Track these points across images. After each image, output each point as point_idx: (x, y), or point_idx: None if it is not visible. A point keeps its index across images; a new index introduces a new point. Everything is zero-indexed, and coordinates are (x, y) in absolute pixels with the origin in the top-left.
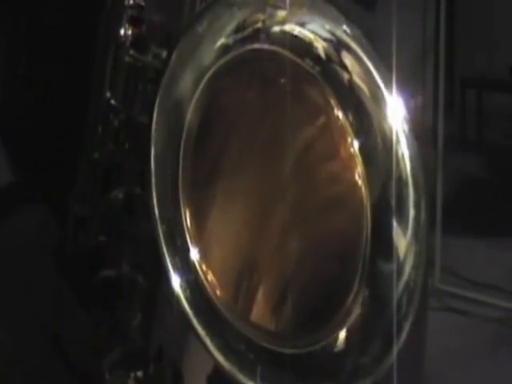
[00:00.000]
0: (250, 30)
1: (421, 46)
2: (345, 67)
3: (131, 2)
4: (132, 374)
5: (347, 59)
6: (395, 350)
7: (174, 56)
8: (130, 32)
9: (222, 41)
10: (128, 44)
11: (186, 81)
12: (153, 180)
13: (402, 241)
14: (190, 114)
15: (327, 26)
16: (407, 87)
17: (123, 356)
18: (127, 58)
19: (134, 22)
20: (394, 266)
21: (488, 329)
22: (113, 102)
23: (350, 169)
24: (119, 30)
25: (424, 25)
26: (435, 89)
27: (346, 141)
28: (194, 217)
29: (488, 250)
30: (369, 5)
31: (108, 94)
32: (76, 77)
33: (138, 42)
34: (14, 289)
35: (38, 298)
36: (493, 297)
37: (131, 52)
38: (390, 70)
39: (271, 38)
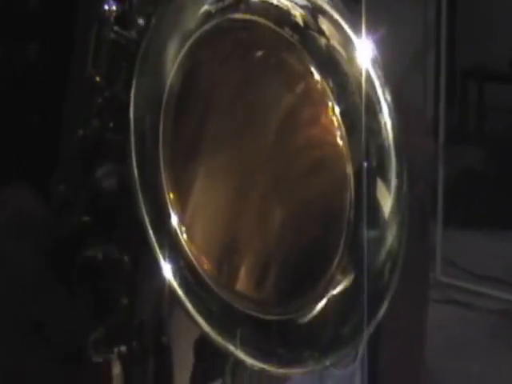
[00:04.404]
0: None
1: (422, 37)
2: (322, 33)
3: None
4: (116, 349)
5: (324, 24)
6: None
7: (155, 19)
8: (114, 7)
9: (205, 8)
10: (112, 20)
11: (169, 46)
12: (133, 149)
13: (385, 208)
14: (170, 80)
15: None
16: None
17: (107, 332)
18: (111, 35)
19: None
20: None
21: (489, 320)
22: (97, 79)
23: (333, 134)
24: (103, 6)
25: (425, 16)
26: (436, 80)
27: (327, 106)
28: (176, 194)
29: (490, 241)
30: None
31: (92, 71)
32: (60, 53)
33: (123, 18)
34: None
35: (22, 276)
36: (494, 289)
37: (115, 28)
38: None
39: (251, 8)
